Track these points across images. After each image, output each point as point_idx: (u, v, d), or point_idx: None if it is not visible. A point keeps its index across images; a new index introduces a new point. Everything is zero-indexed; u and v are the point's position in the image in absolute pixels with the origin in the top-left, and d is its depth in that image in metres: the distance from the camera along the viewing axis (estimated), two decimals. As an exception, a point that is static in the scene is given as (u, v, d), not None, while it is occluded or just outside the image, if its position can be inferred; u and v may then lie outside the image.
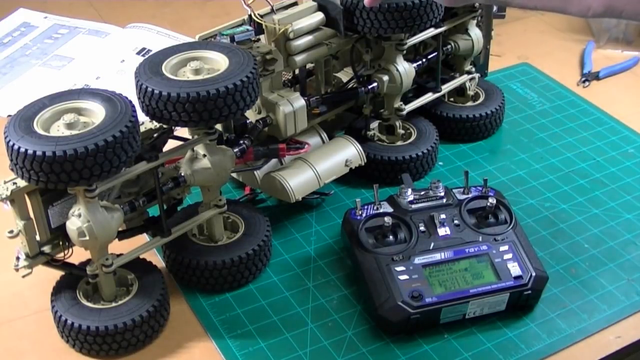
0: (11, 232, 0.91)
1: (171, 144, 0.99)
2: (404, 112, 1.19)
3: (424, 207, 1.04)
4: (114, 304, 0.95)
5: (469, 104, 1.30)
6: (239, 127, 1.07)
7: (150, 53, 1.13)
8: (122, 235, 0.98)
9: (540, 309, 1.00)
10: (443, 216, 1.02)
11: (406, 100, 1.22)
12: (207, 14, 1.65)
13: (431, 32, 1.20)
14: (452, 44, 1.25)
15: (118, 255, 0.95)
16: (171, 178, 0.99)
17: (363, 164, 1.15)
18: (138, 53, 1.50)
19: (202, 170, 0.98)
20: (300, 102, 1.09)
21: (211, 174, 0.98)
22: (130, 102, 0.90)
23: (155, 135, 0.99)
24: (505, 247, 1.00)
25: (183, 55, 0.98)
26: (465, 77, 1.28)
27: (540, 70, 1.46)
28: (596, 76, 1.43)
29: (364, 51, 1.15)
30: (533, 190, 1.18)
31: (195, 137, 0.98)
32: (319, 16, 1.10)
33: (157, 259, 1.06)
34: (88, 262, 0.95)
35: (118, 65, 1.48)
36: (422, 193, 1.06)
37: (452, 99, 1.31)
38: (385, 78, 1.16)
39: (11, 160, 0.85)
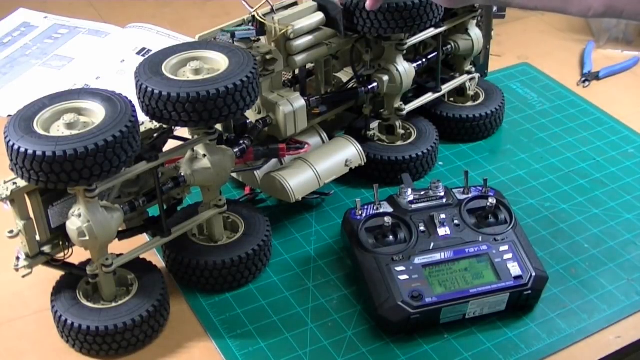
0: (11, 232, 0.91)
1: (171, 144, 0.99)
2: (404, 112, 1.19)
3: (424, 207, 1.04)
4: (114, 304, 0.95)
5: (469, 104, 1.30)
6: (239, 127, 1.07)
7: (150, 53, 1.13)
8: (122, 235, 0.98)
9: (540, 309, 1.00)
10: (443, 216, 1.02)
11: (406, 100, 1.22)
12: (207, 14, 1.65)
13: (431, 32, 1.20)
14: (452, 44, 1.25)
15: (118, 255, 0.95)
16: (171, 178, 0.99)
17: (363, 164, 1.15)
18: (138, 53, 1.50)
19: (202, 170, 0.98)
20: (300, 102, 1.09)
21: (211, 174, 0.98)
22: (130, 102, 0.90)
23: (155, 135, 0.99)
24: (505, 247, 1.00)
25: (183, 55, 0.98)
26: (465, 77, 1.28)
27: (540, 70, 1.46)
28: (596, 76, 1.43)
29: (364, 51, 1.15)
30: (533, 190, 1.18)
31: (195, 137, 0.98)
32: (319, 16, 1.10)
33: (157, 259, 1.06)
34: (88, 262, 0.95)
35: (118, 65, 1.48)
36: (422, 193, 1.06)
37: (452, 99, 1.31)
38: (385, 78, 1.16)
39: (11, 160, 0.85)
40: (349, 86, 1.20)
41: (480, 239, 1.01)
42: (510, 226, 1.02)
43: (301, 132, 1.12)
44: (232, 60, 0.96)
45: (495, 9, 1.32)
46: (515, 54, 1.50)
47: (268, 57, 1.04)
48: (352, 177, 1.17)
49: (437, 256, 0.99)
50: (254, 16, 1.05)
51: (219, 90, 0.91)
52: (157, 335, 0.97)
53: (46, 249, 0.93)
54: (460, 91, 1.30)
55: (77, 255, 0.96)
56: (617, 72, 1.45)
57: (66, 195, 0.92)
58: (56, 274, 0.98)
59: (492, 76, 1.39)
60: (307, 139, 1.14)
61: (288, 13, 1.08)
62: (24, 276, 0.92)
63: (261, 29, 1.06)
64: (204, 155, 0.98)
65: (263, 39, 1.07)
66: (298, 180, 1.09)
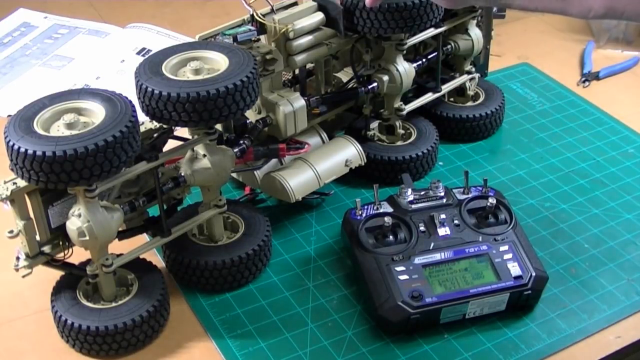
0: (11, 232, 0.91)
1: (171, 144, 0.99)
2: (404, 112, 1.19)
3: (424, 207, 1.04)
4: (114, 304, 0.95)
5: (469, 104, 1.30)
6: (239, 127, 1.07)
7: (150, 53, 1.12)
8: (122, 235, 0.98)
9: (540, 309, 1.00)
10: (443, 216, 1.02)
11: (406, 100, 1.22)
12: (207, 14, 1.65)
13: (431, 32, 1.20)
14: (452, 44, 1.25)
15: (118, 255, 0.95)
16: (171, 178, 0.99)
17: (363, 164, 1.15)
18: (138, 53, 1.50)
19: (202, 170, 0.98)
20: (300, 102, 1.09)
21: (211, 174, 0.98)
22: (130, 102, 0.90)
23: (155, 135, 0.99)
24: (505, 247, 1.00)
25: (183, 55, 0.98)
26: (465, 77, 1.28)
27: (540, 70, 1.46)
28: (596, 76, 1.43)
29: (364, 51, 1.15)
30: (533, 190, 1.18)
31: (195, 137, 0.98)
32: (319, 16, 1.10)
33: (157, 259, 1.06)
34: (88, 262, 0.95)
35: (118, 65, 1.48)
36: (422, 193, 1.06)
37: (452, 99, 1.31)
38: (385, 78, 1.16)
39: (11, 160, 0.85)
40: (349, 86, 1.20)
41: (480, 239, 1.01)
42: (510, 226, 1.02)
43: (301, 132, 1.12)
44: (232, 60, 0.96)
45: (495, 9, 1.32)
46: (515, 54, 1.50)
47: (268, 57, 1.04)
48: (352, 177, 1.17)
49: (437, 256, 0.99)
50: (253, 16, 1.05)
51: (219, 90, 0.91)
52: (157, 335, 0.97)
53: (46, 249, 0.93)
54: (460, 91, 1.30)
55: (77, 255, 0.96)
56: (617, 72, 1.45)
57: (66, 195, 0.92)
58: (56, 274, 0.98)
59: (492, 76, 1.39)
60: (307, 139, 1.14)
61: (288, 13, 1.08)
62: (24, 276, 0.92)
63: (261, 28, 1.06)
64: (204, 155, 0.98)
65: (263, 38, 1.07)
66: (298, 180, 1.09)
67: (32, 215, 0.91)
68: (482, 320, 0.98)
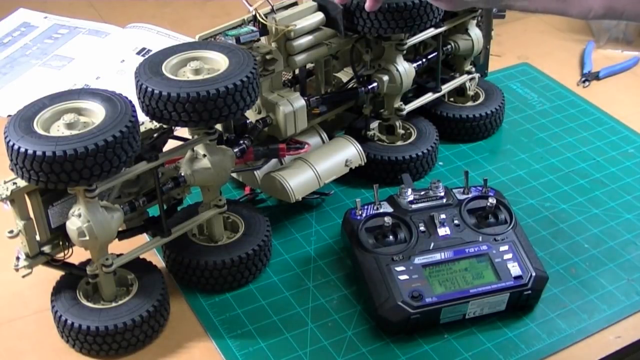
0: (11, 232, 0.91)
1: (171, 144, 0.99)
2: (404, 112, 1.19)
3: (424, 207, 1.04)
4: (114, 304, 0.95)
5: (469, 104, 1.30)
6: (239, 127, 1.07)
7: (150, 53, 1.13)
8: (122, 235, 0.98)
9: (540, 309, 1.00)
10: (443, 216, 1.02)
11: (406, 100, 1.22)
12: (207, 14, 1.65)
13: (431, 32, 1.20)
14: (452, 44, 1.25)
15: (118, 255, 0.95)
16: (171, 178, 0.99)
17: (363, 164, 1.15)
18: (138, 53, 1.50)
19: (202, 170, 0.98)
20: (300, 102, 1.09)
21: (211, 174, 0.98)
22: (130, 102, 0.90)
23: (155, 135, 0.99)
24: (505, 247, 1.00)
25: (183, 55, 0.98)
26: (465, 77, 1.28)
27: (540, 70, 1.46)
28: (596, 76, 1.43)
29: (364, 51, 1.15)
30: (533, 190, 1.18)
31: (195, 137, 0.98)
32: (319, 16, 1.10)
33: (157, 259, 1.06)
34: (88, 262, 0.95)
35: (118, 65, 1.48)
36: (422, 193, 1.06)
37: (452, 99, 1.31)
38: (385, 78, 1.16)
39: (11, 160, 0.85)
40: (349, 86, 1.20)
41: (480, 239, 1.01)
42: (510, 226, 1.02)
43: (301, 132, 1.12)
44: (232, 60, 0.96)
45: (495, 9, 1.32)
46: (515, 54, 1.50)
47: (268, 57, 1.04)
48: (352, 177, 1.17)
49: (437, 256, 0.99)
50: (254, 16, 1.05)
51: (219, 90, 0.91)
52: (157, 335, 0.97)
53: (46, 249, 0.93)
54: (460, 91, 1.30)
55: (77, 255, 0.96)
56: (617, 72, 1.45)
57: (66, 195, 0.92)
58: (56, 274, 0.98)
59: (492, 76, 1.39)
60: (307, 139, 1.14)
61: (288, 13, 1.08)
62: (24, 276, 0.92)
63: (263, 29, 1.06)
64: (204, 155, 0.98)
65: (263, 38, 1.07)
66: (298, 180, 1.09)
67: (32, 215, 0.91)
68: (482, 320, 0.98)
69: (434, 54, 1.23)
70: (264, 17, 1.06)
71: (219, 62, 0.97)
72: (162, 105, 0.91)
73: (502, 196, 1.07)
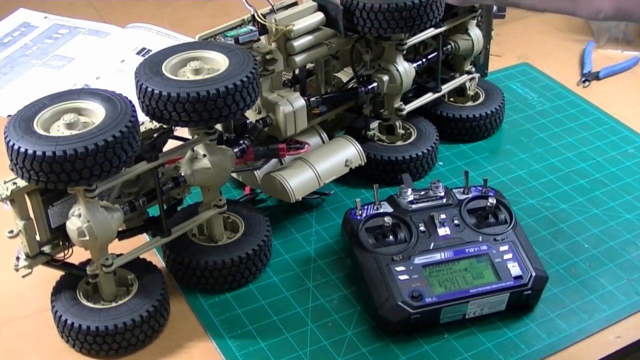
0: (11, 232, 0.91)
1: (171, 144, 0.99)
2: (404, 112, 1.19)
3: (424, 207, 1.04)
4: (114, 304, 0.95)
5: (469, 104, 1.30)
6: (239, 127, 1.07)
7: (150, 53, 1.12)
8: (122, 235, 0.98)
9: (540, 309, 1.00)
10: (443, 216, 1.02)
11: (406, 100, 1.22)
12: (207, 14, 1.65)
13: (431, 32, 1.20)
14: (452, 44, 1.25)
15: (118, 255, 0.95)
16: (171, 178, 0.99)
17: (363, 164, 1.15)
18: (138, 53, 1.50)
19: (202, 170, 0.98)
20: (300, 102, 1.09)
21: (211, 174, 0.98)
22: (130, 102, 0.90)
23: (155, 135, 0.99)
24: (505, 247, 1.00)
25: (183, 55, 0.98)
26: (465, 77, 1.28)
27: (540, 70, 1.46)
28: (596, 76, 1.43)
29: (364, 51, 1.15)
30: (533, 190, 1.18)
31: (195, 137, 0.98)
32: (319, 16, 1.10)
33: (157, 259, 1.06)
34: (88, 262, 0.95)
35: (118, 65, 1.48)
36: (422, 193, 1.06)
37: (452, 99, 1.31)
38: (385, 78, 1.16)
39: (11, 160, 0.85)
40: (349, 86, 1.20)
41: (480, 239, 1.01)
42: (510, 226, 1.02)
43: (301, 132, 1.12)
44: (232, 60, 0.96)
45: (495, 9, 1.32)
46: (515, 54, 1.50)
47: (268, 57, 1.04)
48: (352, 177, 1.17)
49: (437, 256, 0.99)
50: (254, 16, 1.05)
51: (219, 90, 0.91)
52: (157, 335, 0.97)
53: (46, 249, 0.93)
54: (460, 91, 1.30)
55: (77, 255, 0.96)
56: (617, 72, 1.45)
57: (66, 195, 0.92)
58: (56, 274, 0.98)
59: (492, 76, 1.39)
60: (307, 139, 1.14)
61: (288, 13, 1.08)
62: (24, 276, 0.92)
63: (263, 29, 1.06)
64: (204, 155, 0.98)
65: (263, 38, 1.07)
66: (298, 180, 1.09)
67: (32, 215, 0.91)
68: (482, 320, 0.98)
69: (434, 54, 1.23)
70: (262, 17, 1.06)
71: (219, 62, 0.97)
72: (162, 105, 0.91)
73: (502, 196, 1.07)
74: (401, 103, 1.19)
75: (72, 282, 0.97)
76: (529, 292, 0.97)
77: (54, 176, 0.83)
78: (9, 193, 0.88)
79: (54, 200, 0.92)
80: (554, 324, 0.98)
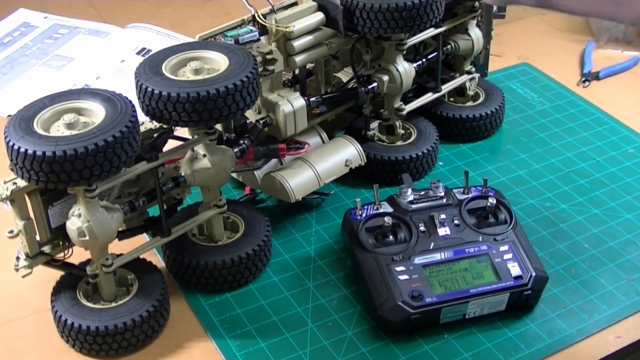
0: (11, 232, 0.91)
1: (171, 144, 0.99)
2: (404, 112, 1.19)
3: (424, 207, 1.04)
4: (114, 304, 0.95)
5: (469, 104, 1.30)
6: (239, 127, 1.07)
7: (150, 53, 1.13)
8: (122, 235, 0.98)
9: (540, 309, 1.00)
10: (443, 216, 1.02)
11: (406, 100, 1.22)
12: (207, 14, 1.65)
13: (431, 32, 1.20)
14: (452, 44, 1.25)
15: (118, 255, 0.95)
16: (171, 178, 0.99)
17: (363, 164, 1.15)
18: (138, 53, 1.50)
19: (202, 170, 0.98)
20: (300, 102, 1.09)
21: (211, 174, 0.98)
22: (130, 102, 0.90)
23: (155, 135, 0.99)
24: (505, 247, 1.00)
25: (183, 55, 0.98)
26: (465, 77, 1.28)
27: (540, 70, 1.46)
28: (596, 76, 1.43)
29: (364, 51, 1.15)
30: (533, 190, 1.18)
31: (195, 137, 0.98)
32: (319, 16, 1.10)
33: (157, 259, 1.06)
34: (88, 262, 0.95)
35: (118, 65, 1.48)
36: (422, 193, 1.06)
37: (452, 99, 1.31)
38: (385, 78, 1.16)
39: (11, 160, 0.85)
40: (349, 86, 1.20)
41: (480, 239, 1.01)
42: (510, 226, 1.02)
43: (301, 132, 1.12)
44: (232, 60, 0.96)
45: (495, 8, 1.32)
46: (515, 54, 1.50)
47: (268, 57, 1.04)
48: (352, 177, 1.17)
49: (437, 256, 0.99)
50: (254, 16, 1.05)
51: (219, 90, 0.91)
52: (157, 335, 0.97)
53: (46, 249, 0.93)
54: (460, 91, 1.30)
55: (77, 255, 0.96)
56: (617, 72, 1.45)
57: (66, 195, 0.92)
58: (56, 274, 0.98)
59: (492, 76, 1.39)
60: (307, 139, 1.14)
61: (288, 13, 1.08)
62: (24, 276, 0.92)
63: (263, 29, 1.06)
64: (204, 155, 0.98)
65: (263, 38, 1.07)
66: (298, 180, 1.09)
67: (32, 215, 0.91)
68: (482, 320, 0.98)
69: (434, 54, 1.23)
70: (262, 18, 1.06)
71: (219, 62, 0.97)
72: (162, 105, 0.91)
73: (502, 196, 1.07)
74: (401, 103, 1.19)
75: (72, 282, 0.97)
76: (529, 292, 0.97)
77: (54, 176, 0.83)
78: (9, 193, 0.88)
79: (54, 200, 0.92)
80: (554, 324, 0.98)
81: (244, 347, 0.96)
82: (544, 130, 1.31)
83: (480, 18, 1.27)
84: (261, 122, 1.08)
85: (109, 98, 0.90)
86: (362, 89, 1.15)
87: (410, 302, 0.94)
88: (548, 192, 1.18)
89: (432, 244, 1.00)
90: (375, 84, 1.16)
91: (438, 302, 0.94)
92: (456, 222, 1.02)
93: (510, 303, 0.97)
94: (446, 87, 1.26)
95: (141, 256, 0.98)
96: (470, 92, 1.30)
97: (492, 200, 1.03)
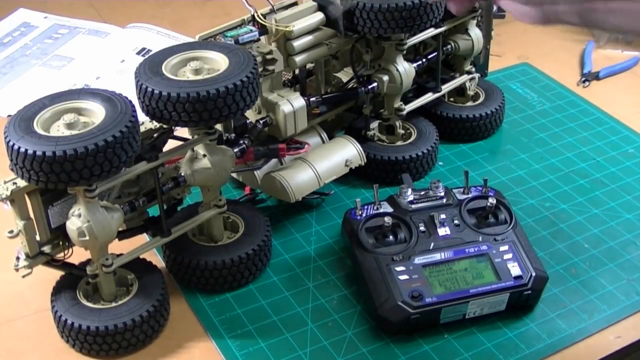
0: (11, 232, 0.91)
1: (171, 144, 0.99)
2: (404, 112, 1.19)
3: (424, 207, 1.04)
4: (114, 304, 0.95)
5: (469, 104, 1.30)
6: (239, 127, 1.07)
7: (150, 53, 1.13)
8: (122, 235, 0.98)
9: (540, 309, 1.00)
10: (443, 216, 1.02)
11: (406, 100, 1.22)
12: (207, 14, 1.65)
13: (431, 32, 1.20)
14: (452, 44, 1.25)
15: (118, 255, 0.95)
16: (171, 178, 0.99)
17: (363, 164, 1.15)
18: (138, 53, 1.50)
19: (202, 170, 0.98)
20: (300, 102, 1.09)
21: (211, 174, 0.98)
22: (130, 102, 0.90)
23: (155, 135, 0.99)
24: (505, 247, 1.00)
25: (183, 55, 0.98)
26: (465, 77, 1.28)
27: (540, 70, 1.46)
28: (596, 76, 1.43)
29: (364, 51, 1.15)
30: (533, 190, 1.18)
31: (195, 137, 0.98)
32: (319, 16, 1.10)
33: (157, 259, 1.06)
34: (88, 262, 0.95)
35: (118, 65, 1.48)
36: (422, 193, 1.06)
37: (452, 99, 1.31)
38: (385, 78, 1.16)
39: (11, 160, 0.85)
40: (349, 86, 1.20)
41: (480, 239, 1.01)
42: (510, 226, 1.02)
43: (301, 132, 1.12)
44: (232, 60, 0.96)
45: (495, 8, 1.32)
46: (515, 54, 1.50)
47: (268, 57, 1.04)
48: (352, 177, 1.17)
49: (437, 256, 0.99)
50: (254, 16, 1.06)
51: (219, 90, 0.91)
52: (157, 335, 0.97)
53: (46, 249, 0.93)
54: (460, 91, 1.30)
55: (77, 255, 0.96)
56: (617, 72, 1.45)
57: (66, 195, 0.92)
58: (56, 274, 0.98)
59: (492, 76, 1.39)
60: (307, 139, 1.14)
61: (288, 13, 1.08)
62: (24, 276, 0.92)
63: (262, 28, 1.06)
64: (204, 155, 0.98)
65: (263, 38, 1.07)
66: (298, 180, 1.09)
67: (32, 215, 0.91)
68: (482, 320, 0.98)
69: (434, 54, 1.23)
70: (262, 18, 1.06)
71: (219, 62, 0.97)
72: (162, 105, 0.91)
73: (502, 196, 1.07)
74: (401, 103, 1.19)
75: (72, 282, 0.97)
76: (529, 292, 0.97)
77: (54, 176, 0.83)
78: (9, 193, 0.88)
79: (54, 200, 0.92)
80: (554, 324, 0.98)
81: (244, 347, 0.96)
82: (544, 130, 1.31)
83: (480, 18, 1.27)
84: (261, 122, 1.08)
85: (109, 98, 0.90)
86: (362, 89, 1.15)
87: (410, 302, 0.94)
88: (548, 192, 1.18)
89: (432, 244, 1.00)
90: (375, 84, 1.16)
91: (438, 302, 0.94)
92: (456, 222, 1.02)
93: (510, 303, 0.97)
94: (446, 87, 1.26)
95: (141, 256, 0.98)
96: (470, 92, 1.30)
97: (492, 200, 1.03)
